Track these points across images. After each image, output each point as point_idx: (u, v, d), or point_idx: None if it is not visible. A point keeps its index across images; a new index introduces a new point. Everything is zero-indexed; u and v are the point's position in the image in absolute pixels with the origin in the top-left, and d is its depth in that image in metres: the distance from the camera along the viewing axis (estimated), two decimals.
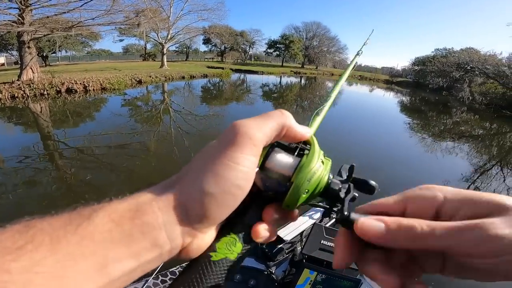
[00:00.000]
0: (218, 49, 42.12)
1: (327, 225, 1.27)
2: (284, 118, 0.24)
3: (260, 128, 0.22)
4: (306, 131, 0.26)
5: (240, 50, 43.22)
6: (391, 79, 36.99)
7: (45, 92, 9.24)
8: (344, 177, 0.28)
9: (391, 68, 46.13)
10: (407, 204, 0.23)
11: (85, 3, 9.62)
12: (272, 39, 42.68)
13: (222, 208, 0.20)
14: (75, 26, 10.07)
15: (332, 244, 0.94)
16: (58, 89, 9.65)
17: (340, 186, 0.26)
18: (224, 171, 0.20)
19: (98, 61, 29.74)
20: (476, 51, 25.36)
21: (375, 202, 0.25)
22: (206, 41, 39.55)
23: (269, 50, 44.27)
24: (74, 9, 9.56)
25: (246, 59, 44.40)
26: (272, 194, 0.25)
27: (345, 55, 45.53)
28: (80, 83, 10.34)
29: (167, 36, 20.28)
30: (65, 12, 9.80)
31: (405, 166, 6.14)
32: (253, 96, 14.23)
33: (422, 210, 0.22)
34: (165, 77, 16.20)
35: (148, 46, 35.29)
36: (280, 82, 23.94)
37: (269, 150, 0.24)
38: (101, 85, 11.12)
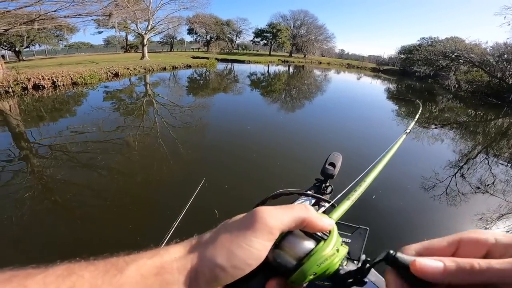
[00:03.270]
0: (204, 39, 40.94)
1: None
2: (306, 213, 0.26)
3: (280, 219, 0.24)
4: (327, 224, 0.28)
5: (227, 39, 42.18)
6: (378, 67, 37.22)
7: (10, 90, 8.70)
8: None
9: (377, 56, 46.39)
10: (460, 245, 0.25)
11: None
12: (259, 28, 41.87)
13: (229, 278, 0.23)
14: (36, 19, 9.36)
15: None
16: (24, 85, 8.99)
17: (350, 271, 0.27)
18: (237, 250, 0.23)
19: (76, 54, 28.30)
20: (461, 40, 25.69)
21: (426, 244, 0.27)
22: (191, 31, 38.28)
23: (256, 39, 43.46)
24: (35, 2, 8.82)
25: (233, 49, 43.44)
26: (280, 269, 0.26)
27: (332, 43, 45.35)
28: (48, 79, 9.65)
29: (148, 26, 19.39)
30: (27, 6, 9.05)
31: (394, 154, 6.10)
32: (241, 86, 13.87)
33: (474, 251, 0.24)
34: (145, 69, 15.49)
35: (130, 37, 33.83)
36: (268, 71, 23.54)
37: (287, 232, 0.26)
38: (71, 79, 10.43)
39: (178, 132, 5.96)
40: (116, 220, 2.92)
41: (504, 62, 18.70)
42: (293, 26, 41.20)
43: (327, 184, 1.38)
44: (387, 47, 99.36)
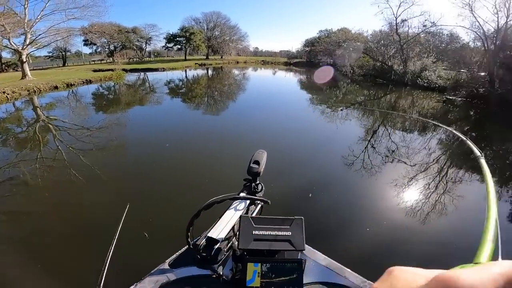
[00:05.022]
0: (107, 49, 36.35)
1: (254, 215, 1.21)
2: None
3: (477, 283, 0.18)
4: None
5: (135, 47, 38.63)
6: (289, 61, 40.55)
7: None
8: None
9: (287, 51, 50.50)
10: None
11: None
12: (171, 33, 39.98)
13: None
14: None
15: (264, 232, 0.95)
16: None
17: None
18: None
19: None
20: (349, 31, 30.23)
21: None
22: (87, 42, 33.40)
23: (169, 45, 41.29)
24: None
25: (144, 57, 40.16)
26: None
27: (246, 42, 47.02)
28: None
29: (25, 40, 15.81)
30: None
31: (313, 134, 6.57)
32: (159, 96, 12.76)
33: None
34: (28, 91, 12.60)
35: (5, 54, 27.13)
36: (186, 76, 22.59)
37: None
38: None
39: (92, 156, 4.99)
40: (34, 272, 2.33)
41: (382, 48, 22.85)
42: (207, 28, 40.94)
43: (257, 182, 1.35)
44: (295, 41, 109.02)
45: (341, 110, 10.11)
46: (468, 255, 2.76)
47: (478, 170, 5.37)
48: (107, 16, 34.59)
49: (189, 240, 1.05)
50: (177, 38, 39.57)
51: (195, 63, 32.50)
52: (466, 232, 3.14)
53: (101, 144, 5.93)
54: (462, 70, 16.82)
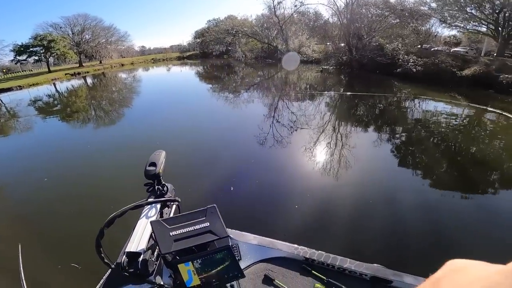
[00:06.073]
0: None
1: (166, 216, 1.16)
2: None
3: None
4: None
5: None
6: (182, 55, 38.89)
7: None
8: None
9: (179, 45, 48.12)
10: None
11: None
12: (20, 44, 31.49)
13: None
14: None
15: (181, 231, 0.92)
16: None
17: None
18: None
19: None
20: (235, 17, 31.16)
21: None
22: None
23: (20, 58, 32.47)
24: None
25: None
26: None
27: (129, 42, 42.03)
28: None
29: None
30: None
31: (221, 121, 6.51)
32: (26, 120, 9.81)
33: None
34: None
35: None
36: (57, 90, 18.32)
37: None
38: None
39: None
40: None
41: (266, 30, 24.70)
42: (73, 33, 34.41)
43: (162, 183, 1.27)
44: (185, 35, 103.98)
45: (242, 93, 10.44)
46: (376, 194, 3.35)
47: (360, 121, 6.60)
48: None
49: (107, 262, 0.93)
50: (31, 49, 31.78)
51: (66, 74, 26.74)
52: (372, 178, 3.77)
53: None
54: (328, 43, 20.18)
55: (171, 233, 0.93)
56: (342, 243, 2.44)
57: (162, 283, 1.03)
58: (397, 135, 5.38)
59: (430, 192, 3.25)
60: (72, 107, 11.65)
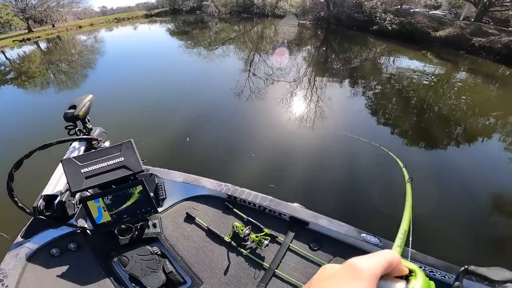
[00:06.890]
0: None
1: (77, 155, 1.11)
2: (393, 256, 0.26)
3: (374, 268, 0.24)
4: (410, 264, 0.27)
5: None
6: (149, 13, 35.59)
7: None
8: None
9: (146, 2, 43.89)
10: None
11: None
12: None
13: None
14: None
15: (94, 167, 0.90)
16: None
17: None
18: None
19: None
20: None
21: None
22: None
23: None
24: None
25: None
26: None
27: (85, 3, 37.47)
28: None
29: None
30: None
31: (195, 77, 6.15)
32: None
33: None
34: None
35: None
36: (7, 58, 16.24)
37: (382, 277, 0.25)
38: None
39: None
40: None
41: None
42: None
43: (89, 127, 1.25)
44: None
45: (217, 48, 9.83)
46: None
47: (337, 75, 6.51)
48: None
49: (21, 206, 0.93)
50: None
51: (14, 41, 23.50)
52: (343, 122, 3.78)
53: None
54: None
55: (82, 170, 0.90)
56: (290, 191, 2.41)
57: (85, 226, 1.01)
58: (363, 88, 5.40)
59: (393, 144, 3.34)
60: (28, 73, 10.51)
